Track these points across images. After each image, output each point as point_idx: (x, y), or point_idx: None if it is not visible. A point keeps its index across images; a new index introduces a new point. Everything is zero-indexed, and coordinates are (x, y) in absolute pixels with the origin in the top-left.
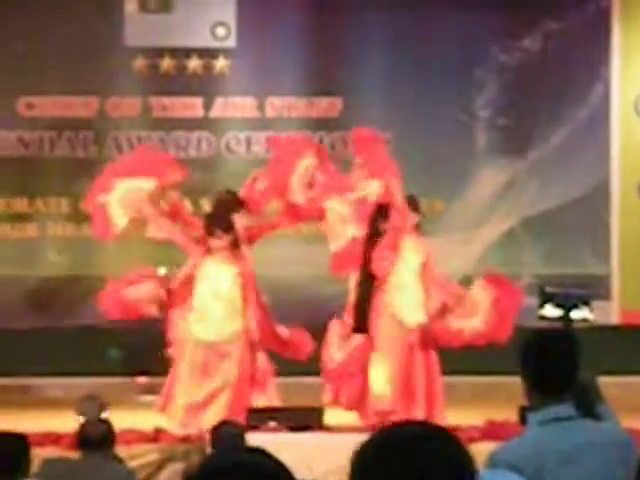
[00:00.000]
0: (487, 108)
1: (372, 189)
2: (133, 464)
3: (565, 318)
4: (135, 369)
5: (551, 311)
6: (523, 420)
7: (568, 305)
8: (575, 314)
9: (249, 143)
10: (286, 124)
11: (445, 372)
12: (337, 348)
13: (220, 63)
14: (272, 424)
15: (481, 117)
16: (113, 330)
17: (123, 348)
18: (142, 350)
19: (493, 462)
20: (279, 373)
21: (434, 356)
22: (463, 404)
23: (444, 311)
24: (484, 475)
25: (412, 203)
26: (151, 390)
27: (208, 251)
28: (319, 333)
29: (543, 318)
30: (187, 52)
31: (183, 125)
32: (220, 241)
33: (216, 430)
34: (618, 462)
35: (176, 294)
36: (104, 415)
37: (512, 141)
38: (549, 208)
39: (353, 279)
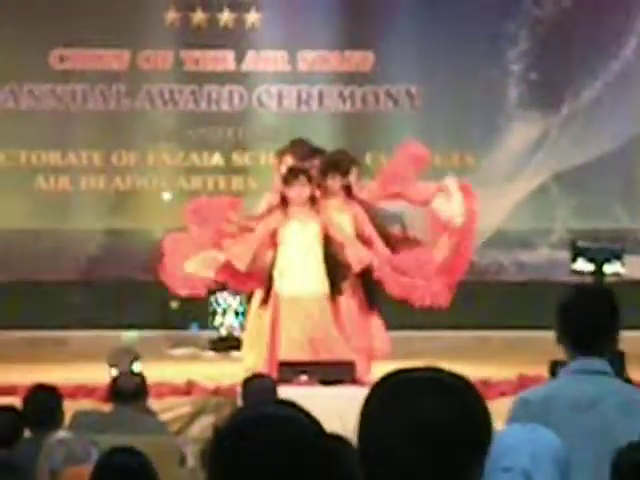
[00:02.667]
0: (519, 62)
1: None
2: (165, 417)
3: (597, 272)
4: (171, 322)
5: (583, 265)
6: (554, 374)
7: (600, 259)
8: (607, 268)
9: (280, 97)
10: (317, 78)
11: (478, 326)
12: None
13: (252, 16)
14: (304, 378)
15: (513, 71)
16: (146, 284)
17: (156, 301)
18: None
19: (514, 402)
20: None
21: None
22: (496, 358)
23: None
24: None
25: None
26: (184, 343)
27: (286, 214)
28: None
29: (575, 272)
30: (219, 5)
31: (215, 79)
32: (302, 189)
33: (247, 383)
34: (632, 418)
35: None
36: (137, 368)
37: (544, 95)
38: (581, 163)
39: None
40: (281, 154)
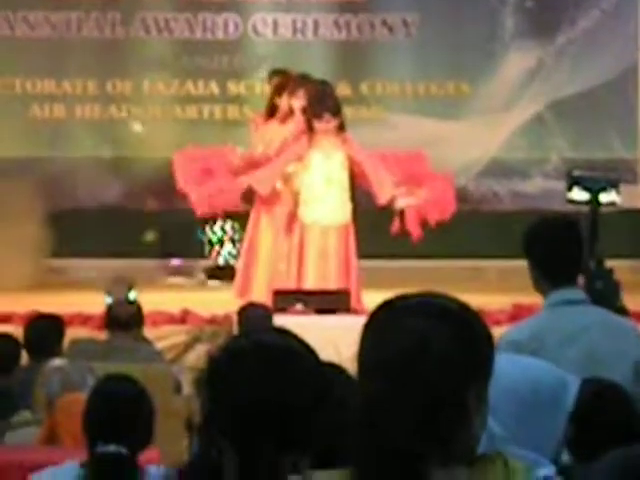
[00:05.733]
0: None
1: None
2: (161, 345)
3: (593, 201)
4: (166, 251)
5: (578, 194)
6: None
7: (596, 188)
8: (603, 197)
9: (276, 25)
10: (313, 6)
11: (473, 255)
12: None
13: None
14: (299, 306)
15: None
16: (143, 212)
17: (155, 230)
18: (174, 232)
19: (499, 343)
20: None
21: None
22: (491, 287)
23: None
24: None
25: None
26: (181, 272)
27: (311, 141)
28: None
29: (570, 201)
30: None
31: (210, 7)
32: (328, 124)
33: (243, 312)
34: (619, 343)
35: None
36: (132, 296)
37: (540, 24)
38: (577, 92)
39: None
40: (289, 87)
